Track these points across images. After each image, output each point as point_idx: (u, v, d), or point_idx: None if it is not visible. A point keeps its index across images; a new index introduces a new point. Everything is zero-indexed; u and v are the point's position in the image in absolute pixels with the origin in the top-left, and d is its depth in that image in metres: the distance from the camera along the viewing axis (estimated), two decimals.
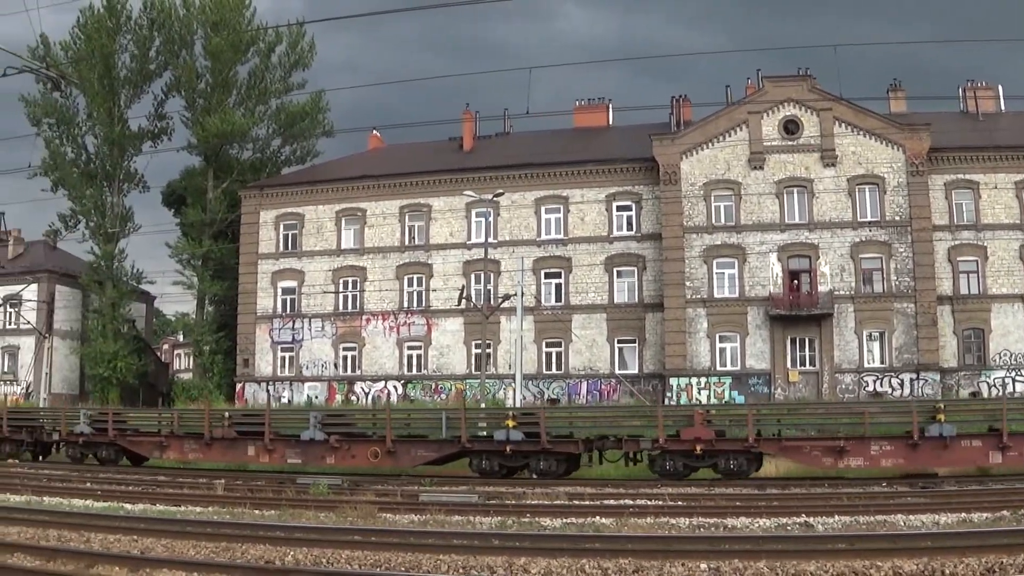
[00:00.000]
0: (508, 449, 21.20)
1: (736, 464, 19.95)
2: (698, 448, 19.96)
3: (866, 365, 38.28)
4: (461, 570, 10.15)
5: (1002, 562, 9.31)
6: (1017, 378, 37.42)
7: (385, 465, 23.06)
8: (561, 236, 43.15)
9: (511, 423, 21.48)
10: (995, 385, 37.25)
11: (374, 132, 51.60)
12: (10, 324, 54.03)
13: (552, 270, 43.11)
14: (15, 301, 52.30)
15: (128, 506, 17.89)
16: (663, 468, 20.39)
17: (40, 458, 28.63)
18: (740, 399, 37.77)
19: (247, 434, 24.49)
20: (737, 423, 20.47)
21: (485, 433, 21.98)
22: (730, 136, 40.43)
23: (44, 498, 19.04)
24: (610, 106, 48.16)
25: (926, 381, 37.39)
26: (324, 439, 23.21)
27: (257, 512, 16.47)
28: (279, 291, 47.22)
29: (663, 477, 20.18)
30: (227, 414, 25.97)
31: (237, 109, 49.18)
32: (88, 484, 22.00)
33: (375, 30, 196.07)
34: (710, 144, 40.60)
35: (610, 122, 48.10)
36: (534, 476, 21.18)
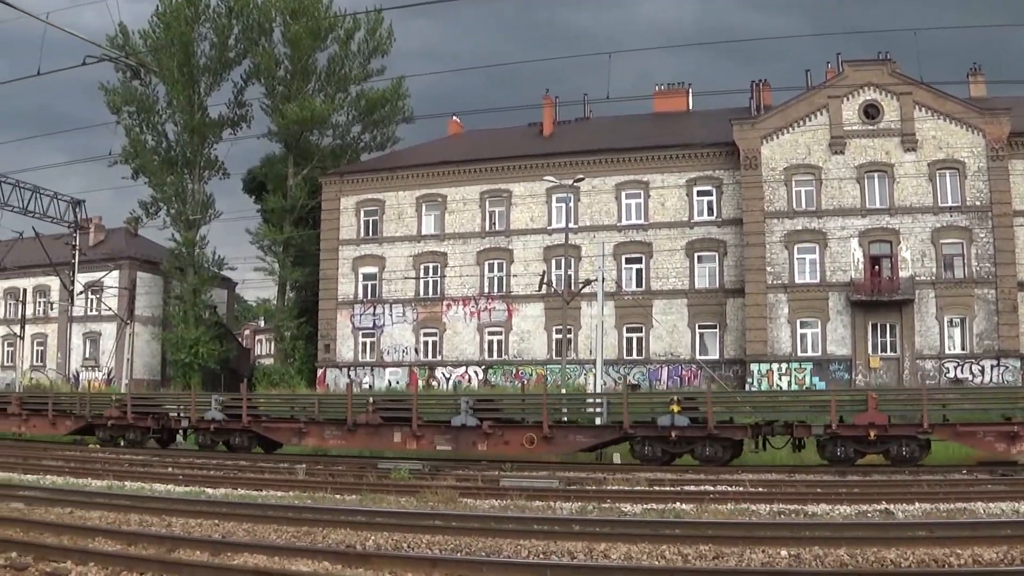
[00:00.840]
0: (673, 435, 23.06)
1: (908, 450, 21.76)
2: (871, 434, 21.74)
3: (947, 351, 43.88)
4: (541, 555, 11.34)
5: None
6: None
7: (541, 451, 24.98)
8: (642, 221, 49.44)
9: (676, 408, 23.27)
10: None
11: (454, 118, 59.01)
12: (92, 311, 62.51)
13: (633, 255, 49.42)
14: (97, 288, 60.70)
15: (210, 490, 20.14)
16: (833, 454, 22.27)
17: (166, 446, 31.55)
18: (821, 385, 43.14)
19: (392, 420, 26.44)
20: (910, 407, 22.43)
21: (648, 419, 23.81)
22: (810, 120, 46.33)
23: (125, 483, 21.50)
24: (690, 91, 54.65)
25: (1007, 367, 43.04)
26: (476, 425, 25.05)
27: (338, 497, 18.47)
28: (360, 277, 54.57)
29: (832, 463, 22.13)
30: (371, 399, 27.81)
31: (317, 96, 56.62)
32: (169, 469, 24.84)
33: (452, 16, 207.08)
34: (790, 129, 46.61)
35: (690, 107, 54.53)
36: (698, 462, 23.07)
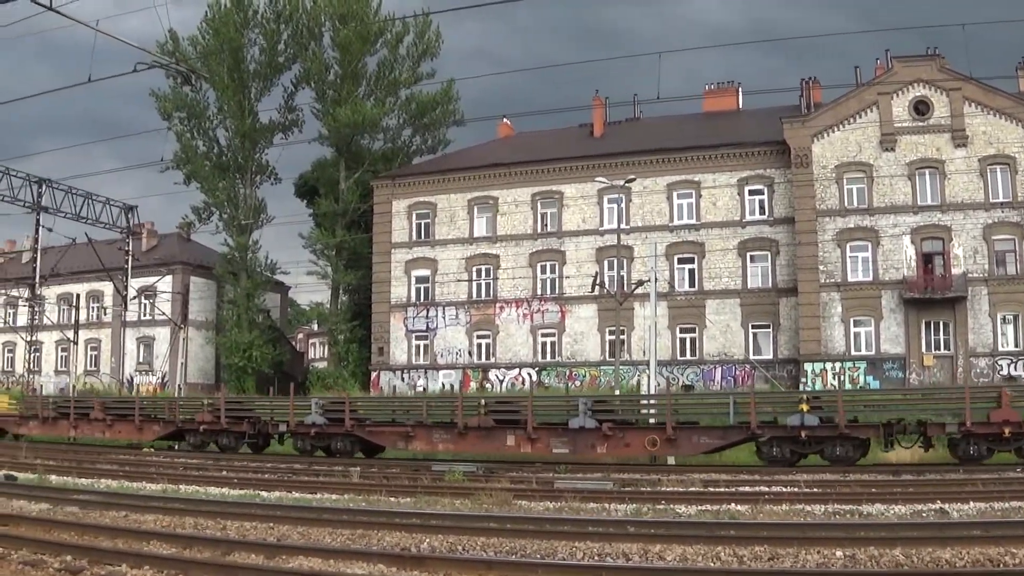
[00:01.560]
0: (803, 434, 24.14)
1: None
2: (1007, 431, 22.53)
3: (1000, 348, 46.83)
4: (596, 557, 12.04)
5: None
6: None
7: (664, 453, 26.07)
8: (693, 221, 52.81)
9: (805, 407, 24.28)
10: None
11: (504, 120, 63.06)
12: (145, 315, 67.32)
13: (685, 255, 52.80)
14: (150, 293, 65.53)
15: (264, 494, 21.29)
16: (966, 452, 23.21)
17: (260, 451, 32.97)
18: (875, 384, 46.54)
19: (504, 422, 27.51)
20: None
21: (774, 419, 24.94)
22: (860, 118, 49.41)
23: (180, 486, 22.88)
24: (739, 89, 58.17)
25: None
26: (596, 427, 26.00)
27: (393, 499, 19.64)
28: (413, 280, 58.66)
29: (964, 462, 23.07)
30: (483, 401, 28.90)
31: (367, 100, 60.82)
32: (224, 472, 26.22)
33: (501, 18, 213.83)
34: (841, 126, 49.73)
35: (740, 106, 58.03)
36: (827, 462, 24.12)
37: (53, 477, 25.41)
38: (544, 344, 55.62)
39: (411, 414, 30.16)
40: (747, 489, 20.17)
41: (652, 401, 29.64)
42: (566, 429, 26.71)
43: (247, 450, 33.28)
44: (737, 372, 51.19)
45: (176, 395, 53.72)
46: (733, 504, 17.71)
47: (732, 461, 26.89)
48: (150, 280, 64.73)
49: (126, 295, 60.17)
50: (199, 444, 34.50)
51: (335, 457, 30.26)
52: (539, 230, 56.44)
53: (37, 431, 40.56)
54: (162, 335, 67.29)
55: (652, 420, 26.77)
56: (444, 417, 29.07)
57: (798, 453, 24.85)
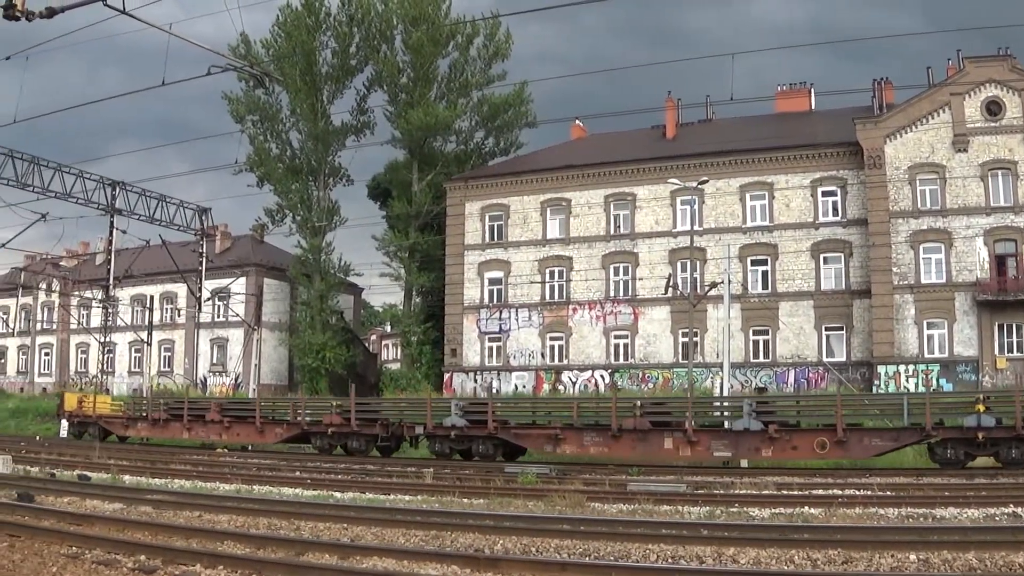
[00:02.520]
0: (980, 436, 25.05)
1: None
2: None
3: None
4: (670, 559, 12.88)
5: None
6: None
7: (833, 457, 26.95)
8: (766, 223, 57.19)
9: (981, 408, 25.09)
10: None
11: (576, 122, 68.33)
12: (219, 317, 73.69)
13: (758, 257, 57.19)
14: (224, 294, 71.67)
15: (338, 494, 22.83)
16: None
17: (389, 455, 34.85)
18: (948, 387, 50.26)
19: (660, 424, 28.65)
20: None
21: (940, 420, 26.09)
22: (933, 118, 53.36)
23: (254, 487, 24.41)
24: (811, 90, 62.83)
25: None
26: (761, 428, 26.95)
27: (466, 501, 21.09)
28: (486, 281, 64.07)
29: None
30: (639, 402, 29.96)
31: (439, 102, 66.36)
32: (297, 473, 28.04)
33: (567, 20, 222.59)
34: (913, 127, 53.75)
35: (812, 106, 62.62)
36: (1001, 465, 25.17)
37: (127, 477, 27.85)
38: (617, 346, 60.45)
39: (552, 415, 31.85)
40: (820, 492, 21.84)
41: (817, 403, 31.09)
42: (727, 431, 28.08)
43: (371, 454, 35.11)
44: (811, 375, 55.44)
45: (249, 395, 59.22)
46: (807, 507, 19.05)
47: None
48: (224, 282, 70.16)
49: (200, 297, 65.42)
50: (326, 448, 36.47)
51: (471, 460, 31.83)
52: (612, 232, 61.31)
53: (146, 433, 44.02)
54: (235, 336, 73.58)
55: (797, 422, 28.30)
56: (598, 419, 30.48)
57: (971, 455, 26.05)
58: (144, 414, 44.41)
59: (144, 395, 54.42)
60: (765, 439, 27.22)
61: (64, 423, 56.59)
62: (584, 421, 30.53)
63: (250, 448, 40.95)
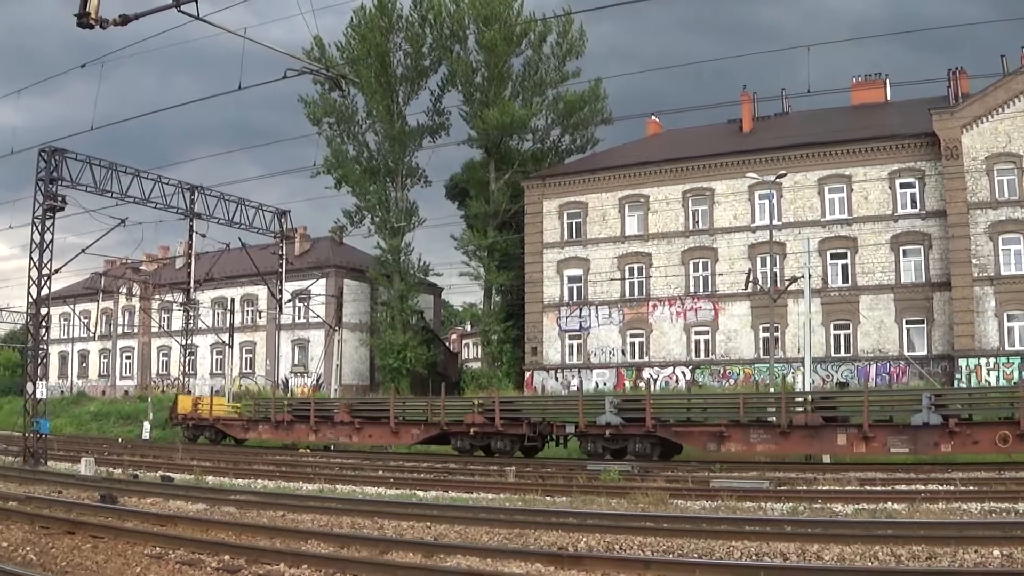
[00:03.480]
0: None
1: None
2: None
3: None
4: (754, 556, 13.77)
5: None
6: None
7: (1016, 451, 27.21)
8: (845, 216, 60.96)
9: None
10: None
11: (652, 117, 73.11)
12: (299, 318, 79.66)
13: (838, 250, 61.04)
14: (304, 296, 77.44)
15: (421, 493, 24.40)
16: None
17: (533, 455, 36.38)
18: None
19: (833, 419, 29.49)
20: None
21: None
22: (1009, 107, 56.67)
23: (336, 486, 25.96)
24: (887, 81, 66.88)
25: None
26: (940, 423, 27.48)
27: (548, 499, 22.29)
28: (565, 279, 68.93)
29: None
30: (809, 396, 31.00)
31: (514, 101, 71.27)
32: (380, 472, 29.99)
33: (636, 17, 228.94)
34: (990, 116, 57.03)
35: (888, 98, 66.57)
36: None
37: (210, 478, 29.96)
38: (698, 342, 64.89)
39: (709, 412, 32.95)
40: (903, 487, 23.04)
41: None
42: (905, 427, 28.63)
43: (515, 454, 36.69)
44: (892, 369, 59.12)
45: (331, 396, 62.35)
46: (889, 503, 20.19)
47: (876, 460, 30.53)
48: (304, 283, 75.75)
49: (280, 298, 70.80)
50: (467, 449, 38.00)
51: (622, 460, 32.53)
52: (691, 227, 65.75)
53: (268, 436, 46.65)
54: (316, 337, 79.45)
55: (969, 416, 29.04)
56: (764, 415, 31.49)
57: None
58: (267, 416, 46.80)
59: (267, 396, 57.31)
60: (944, 434, 28.00)
61: (147, 425, 61.45)
62: (749, 418, 31.57)
63: (332, 448, 44.36)
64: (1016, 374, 54.80)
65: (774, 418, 31.24)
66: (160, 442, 55.95)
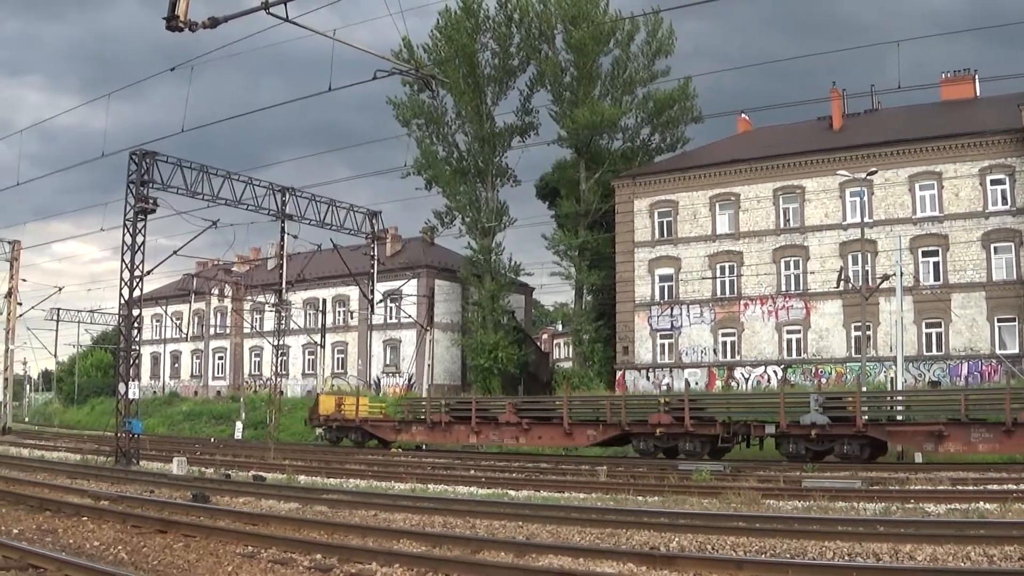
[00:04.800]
0: None
1: None
2: None
3: None
4: (847, 557, 14.61)
5: None
6: None
7: None
8: (936, 213, 65.18)
9: None
10: None
11: (742, 115, 78.45)
12: (391, 318, 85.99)
13: (929, 248, 65.23)
14: (395, 296, 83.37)
15: (512, 493, 25.60)
16: None
17: (719, 456, 36.63)
18: None
19: None
20: None
21: None
22: None
23: (429, 485, 27.45)
24: (976, 77, 71.28)
25: None
26: None
27: (640, 498, 23.38)
28: (656, 278, 74.34)
29: None
30: None
31: (604, 100, 76.71)
32: (472, 472, 31.52)
33: (721, 16, 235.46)
34: None
35: (977, 93, 70.95)
36: None
37: (302, 478, 31.66)
38: (789, 341, 69.72)
39: (926, 410, 33.59)
40: (995, 487, 24.02)
41: None
42: None
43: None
44: (983, 367, 63.06)
45: (422, 396, 67.22)
46: (982, 503, 21.02)
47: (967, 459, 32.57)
48: (395, 284, 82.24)
49: (372, 299, 75.73)
50: (649, 451, 38.72)
51: (824, 462, 33.63)
52: (781, 225, 70.63)
53: (423, 437, 47.77)
54: (408, 337, 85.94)
55: None
56: (989, 415, 32.03)
57: None
58: (421, 416, 48.20)
59: (424, 394, 61.35)
60: None
61: (239, 425, 67.70)
62: (972, 415, 32.10)
63: (424, 448, 47.57)
64: None
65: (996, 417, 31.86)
66: (252, 441, 61.21)
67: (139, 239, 40.93)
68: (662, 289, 74.96)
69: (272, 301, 77.02)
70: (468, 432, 44.44)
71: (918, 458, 34.51)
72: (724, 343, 72.39)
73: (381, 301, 77.56)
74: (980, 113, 68.32)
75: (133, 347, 42.00)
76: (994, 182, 64.62)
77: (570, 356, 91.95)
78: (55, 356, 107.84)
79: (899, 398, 39.75)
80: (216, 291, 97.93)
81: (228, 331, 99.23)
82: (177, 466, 35.18)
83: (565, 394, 46.28)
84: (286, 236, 54.44)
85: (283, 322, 74.37)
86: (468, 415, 44.89)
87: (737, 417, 37.01)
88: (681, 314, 73.80)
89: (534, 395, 62.57)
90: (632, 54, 78.16)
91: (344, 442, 53.41)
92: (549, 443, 42.18)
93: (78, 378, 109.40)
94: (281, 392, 69.17)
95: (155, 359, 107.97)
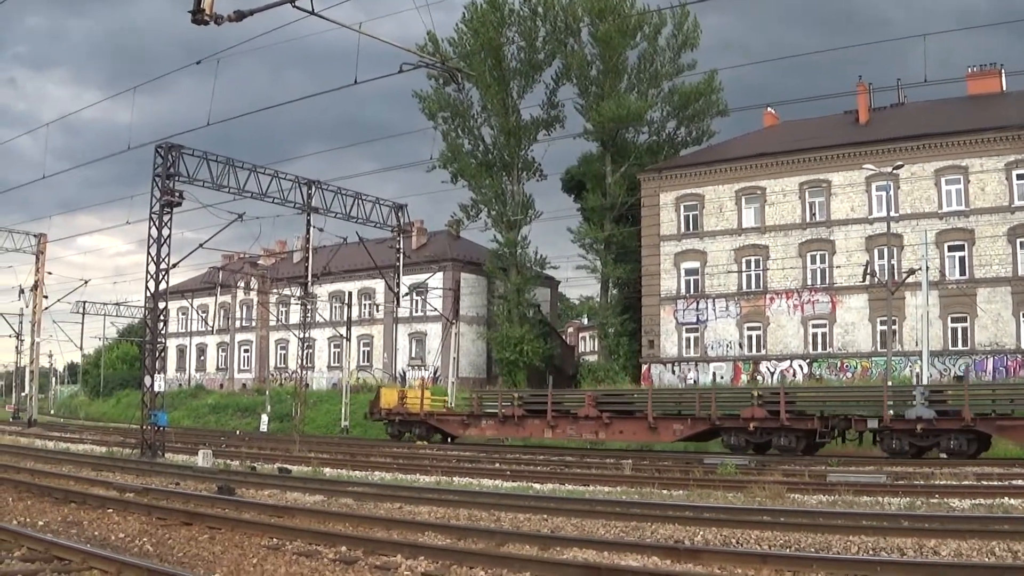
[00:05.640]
0: None
1: None
2: None
3: None
4: (871, 551, 14.65)
5: None
6: None
7: None
8: (962, 207, 65.37)
9: None
10: None
11: (768, 109, 78.73)
12: (416, 312, 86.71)
13: (955, 243, 65.44)
14: (421, 289, 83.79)
15: (537, 486, 25.69)
16: None
17: (813, 452, 35.97)
18: None
19: None
20: None
21: None
22: None
23: (454, 479, 27.78)
24: (1002, 71, 71.37)
25: None
26: None
27: (665, 492, 23.75)
28: (682, 272, 74.83)
29: None
30: None
31: (630, 93, 77.27)
32: (497, 465, 31.65)
33: (744, 10, 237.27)
34: None
35: (1003, 87, 71.09)
36: None
37: (327, 470, 31.81)
38: (815, 335, 70.02)
39: (1016, 403, 32.61)
40: (1020, 483, 24.11)
41: None
42: None
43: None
44: (1009, 362, 63.15)
45: (448, 390, 66.60)
46: (1006, 498, 21.13)
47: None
48: (421, 277, 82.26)
49: (398, 292, 75.57)
50: (740, 446, 37.54)
51: (926, 459, 32.75)
52: (807, 219, 70.90)
53: (493, 432, 47.06)
54: (433, 331, 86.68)
55: None
56: None
57: None
58: (492, 411, 46.91)
59: (493, 387, 60.88)
60: None
61: (264, 418, 68.23)
62: None
63: (451, 440, 47.68)
64: None
65: None
66: (278, 434, 61.71)
67: (165, 232, 41.02)
68: (688, 283, 75.42)
69: (298, 294, 78.57)
70: (543, 426, 43.62)
71: (942, 454, 34.34)
72: (749, 337, 72.77)
73: (407, 294, 77.34)
74: (1006, 107, 68.46)
75: (159, 340, 42.14)
76: (1020, 176, 64.62)
77: (595, 350, 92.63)
78: (81, 349, 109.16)
79: (1010, 391, 39.15)
80: (242, 284, 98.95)
81: (254, 324, 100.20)
82: (202, 458, 35.53)
83: (650, 388, 47.24)
84: (312, 229, 54.24)
85: (309, 315, 74.63)
86: (542, 409, 44.11)
87: (835, 411, 36.15)
88: (707, 308, 74.26)
89: (615, 388, 61.99)
90: (659, 48, 78.91)
91: (406, 436, 52.67)
92: (631, 438, 41.36)
93: (104, 371, 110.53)
94: (307, 385, 68.68)
95: (181, 352, 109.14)
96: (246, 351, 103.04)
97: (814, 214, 71.24)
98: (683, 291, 75.34)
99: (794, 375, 68.89)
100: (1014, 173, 64.73)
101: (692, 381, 71.50)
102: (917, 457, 33.25)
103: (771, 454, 36.61)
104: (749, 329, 72.81)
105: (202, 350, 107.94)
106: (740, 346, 72.91)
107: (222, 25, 20.03)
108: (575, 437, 42.83)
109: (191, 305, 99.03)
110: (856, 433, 35.85)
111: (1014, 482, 24.75)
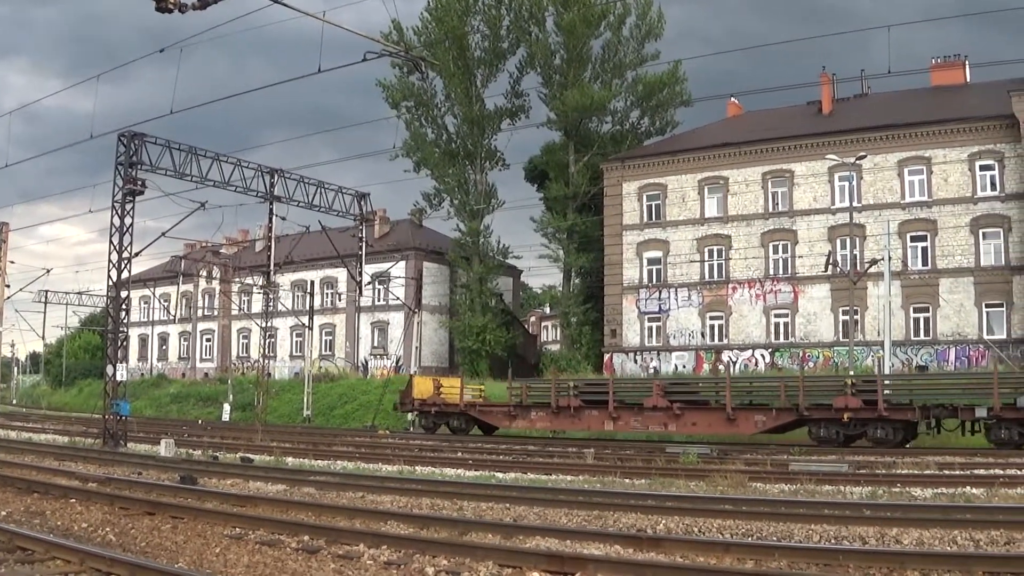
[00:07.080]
0: None
1: None
2: None
3: None
4: (833, 540, 14.66)
5: None
6: None
7: None
8: (925, 198, 64.93)
9: None
10: None
11: (732, 99, 77.90)
12: (379, 300, 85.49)
13: (917, 233, 64.97)
14: (384, 278, 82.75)
15: (499, 475, 25.76)
16: None
17: (903, 445, 34.13)
18: None
19: None
20: None
21: None
22: None
23: (416, 468, 27.81)
24: (966, 63, 70.86)
25: None
26: None
27: (627, 481, 23.68)
28: (644, 261, 73.93)
29: None
30: None
31: (593, 83, 76.43)
32: (459, 454, 31.75)
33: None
34: None
35: (967, 79, 70.65)
36: None
37: (289, 459, 31.63)
38: (777, 325, 69.44)
39: None
40: (982, 472, 24.16)
41: None
42: None
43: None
44: (971, 353, 62.78)
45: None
46: (968, 487, 21.23)
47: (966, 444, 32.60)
48: (384, 266, 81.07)
49: (360, 281, 74.97)
50: (832, 438, 35.00)
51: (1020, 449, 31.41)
52: (770, 209, 70.30)
53: (544, 424, 43.02)
54: (396, 320, 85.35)
55: None
56: None
57: None
58: (544, 400, 42.99)
59: (544, 377, 56.74)
60: None
61: (227, 407, 67.56)
62: None
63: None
64: None
65: None
66: (240, 423, 60.76)
67: (127, 221, 40.46)
68: (650, 272, 74.64)
69: (260, 283, 77.24)
70: (604, 418, 40.12)
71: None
72: (712, 326, 72.15)
73: (369, 283, 77.20)
74: (970, 99, 68.23)
75: (121, 329, 41.51)
76: (983, 168, 64.33)
77: (558, 339, 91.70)
78: (43, 338, 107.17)
79: None
80: (204, 273, 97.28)
81: (216, 313, 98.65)
82: (165, 448, 35.06)
83: (728, 376, 43.69)
84: (274, 218, 53.40)
85: (271, 304, 74.73)
86: (602, 399, 40.44)
87: (937, 400, 33.85)
88: (669, 297, 73.54)
89: (684, 376, 59.97)
90: (623, 37, 78.17)
91: (442, 429, 49.59)
92: (706, 431, 38.05)
93: (66, 360, 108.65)
94: (269, 374, 68.93)
95: (143, 341, 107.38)
96: (208, 340, 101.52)
97: (777, 204, 70.67)
98: (645, 280, 74.61)
99: (756, 365, 68.53)
100: (977, 164, 64.32)
101: (654, 370, 70.76)
102: (1018, 448, 31.56)
103: (861, 446, 34.83)
104: (711, 319, 72.17)
105: (164, 339, 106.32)
106: (702, 335, 72.25)
107: (186, 13, 19.93)
108: (640, 430, 39.76)
109: (153, 294, 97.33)
110: (958, 423, 34.05)
111: (976, 471, 24.71)
